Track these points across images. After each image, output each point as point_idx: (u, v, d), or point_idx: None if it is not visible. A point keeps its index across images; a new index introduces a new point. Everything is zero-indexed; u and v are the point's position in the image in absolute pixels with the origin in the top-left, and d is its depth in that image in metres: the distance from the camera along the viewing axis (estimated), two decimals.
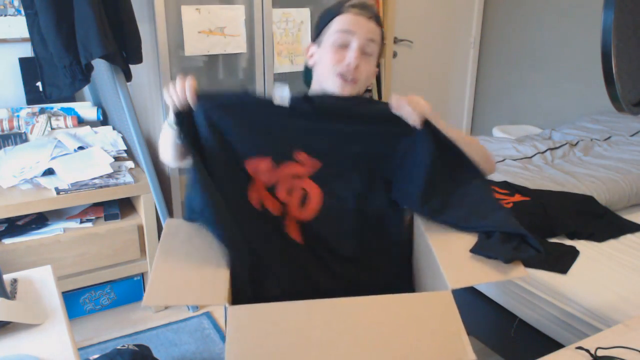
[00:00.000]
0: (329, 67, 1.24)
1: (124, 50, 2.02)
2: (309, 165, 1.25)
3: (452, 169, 1.24)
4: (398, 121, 1.22)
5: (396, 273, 1.32)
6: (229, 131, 1.21)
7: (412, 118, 1.21)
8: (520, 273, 1.07)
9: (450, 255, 1.13)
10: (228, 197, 1.17)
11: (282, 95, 1.23)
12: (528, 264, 1.64)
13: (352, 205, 1.26)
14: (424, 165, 1.21)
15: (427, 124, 1.22)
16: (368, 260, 1.28)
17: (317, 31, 1.31)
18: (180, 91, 1.18)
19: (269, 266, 1.19)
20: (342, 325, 0.95)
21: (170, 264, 1.08)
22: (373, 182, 1.27)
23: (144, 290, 2.36)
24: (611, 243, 1.79)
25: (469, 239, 1.16)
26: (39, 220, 2.09)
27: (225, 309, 0.99)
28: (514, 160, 2.48)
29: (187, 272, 1.06)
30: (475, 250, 1.12)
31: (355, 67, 1.23)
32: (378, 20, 1.28)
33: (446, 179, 1.23)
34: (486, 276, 1.07)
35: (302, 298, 1.03)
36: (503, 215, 1.22)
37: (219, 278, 1.06)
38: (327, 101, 1.25)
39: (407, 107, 1.20)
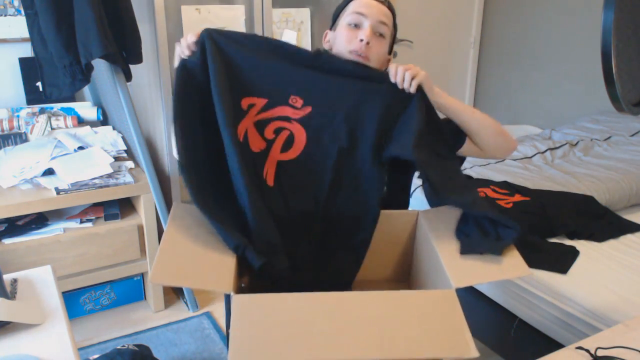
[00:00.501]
0: (342, 45, 1.31)
1: (124, 50, 2.02)
2: (301, 109, 1.28)
3: (435, 139, 1.28)
4: (395, 89, 1.27)
5: (363, 240, 1.32)
6: (233, 64, 1.25)
7: (408, 83, 1.26)
8: (523, 272, 1.07)
9: (453, 254, 1.13)
10: (216, 126, 1.20)
11: (289, 41, 1.26)
12: (528, 263, 1.64)
13: (333, 157, 1.28)
14: (416, 122, 1.25)
15: (420, 90, 1.28)
16: (336, 220, 1.29)
17: (334, 18, 1.39)
18: (191, 37, 1.25)
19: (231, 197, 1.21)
20: (346, 319, 0.96)
21: (176, 247, 1.08)
22: (358, 141, 1.29)
23: (144, 290, 2.37)
24: (611, 243, 1.79)
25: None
26: (39, 220, 2.09)
27: (229, 298, 0.99)
28: (514, 160, 2.48)
29: (193, 256, 1.07)
30: (465, 251, 1.13)
31: (367, 45, 1.28)
32: (390, 5, 1.36)
33: (429, 143, 1.27)
34: (490, 275, 1.07)
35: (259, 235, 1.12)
36: (473, 196, 1.27)
37: (225, 265, 1.06)
38: (334, 59, 1.31)
39: (405, 73, 1.26)
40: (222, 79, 1.22)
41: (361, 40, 1.28)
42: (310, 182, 1.28)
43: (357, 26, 1.30)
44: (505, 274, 1.07)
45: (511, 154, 1.31)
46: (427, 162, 1.24)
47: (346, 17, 1.32)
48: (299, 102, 1.28)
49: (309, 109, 1.28)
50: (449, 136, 1.32)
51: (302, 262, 1.26)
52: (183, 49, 1.26)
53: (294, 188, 1.28)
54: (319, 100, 1.28)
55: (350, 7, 1.33)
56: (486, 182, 2.10)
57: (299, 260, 1.25)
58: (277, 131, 1.28)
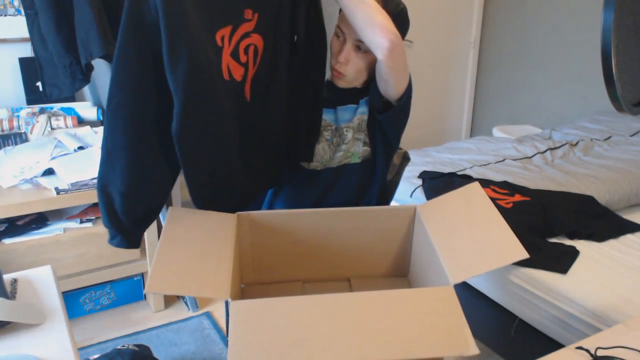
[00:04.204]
0: (330, 58, 1.33)
1: None
2: (255, 19, 1.22)
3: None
4: None
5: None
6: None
7: None
8: (521, 255, 1.06)
9: (451, 248, 1.13)
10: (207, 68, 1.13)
11: None
12: (528, 263, 1.64)
13: (285, 57, 1.27)
14: None
15: None
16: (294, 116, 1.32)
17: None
18: None
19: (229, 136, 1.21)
20: (344, 320, 0.95)
21: (172, 254, 1.08)
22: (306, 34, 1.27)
23: (144, 290, 2.37)
24: (611, 243, 1.79)
25: (471, 234, 1.16)
26: (39, 220, 2.09)
27: (227, 303, 0.99)
28: (514, 160, 2.48)
29: (189, 263, 1.06)
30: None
31: (344, 63, 1.29)
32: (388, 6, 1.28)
33: None
34: (489, 264, 1.07)
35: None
36: None
37: (221, 271, 1.06)
38: None
39: None
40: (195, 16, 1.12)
41: (338, 62, 1.29)
42: (275, 87, 1.28)
43: (342, 39, 1.29)
44: (504, 260, 1.07)
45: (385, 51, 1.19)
46: None
47: (335, 28, 1.31)
48: (249, 14, 1.21)
49: (256, 15, 1.22)
50: None
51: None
52: None
53: (265, 97, 1.28)
54: (262, 3, 1.22)
55: (338, 19, 1.30)
56: (486, 182, 2.10)
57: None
58: (246, 50, 1.23)
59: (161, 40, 1.04)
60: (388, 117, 1.32)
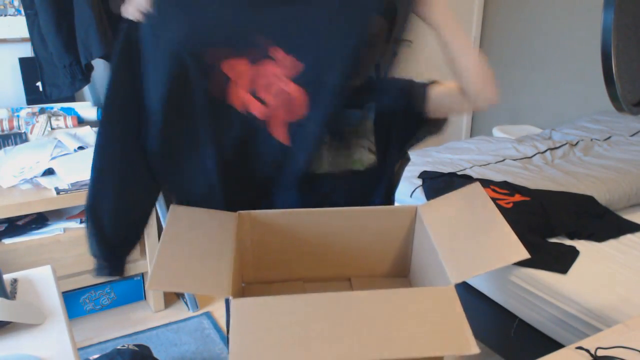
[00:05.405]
0: None
1: None
2: (288, 65, 1.13)
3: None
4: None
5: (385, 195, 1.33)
6: (192, 30, 1.12)
7: None
8: (522, 255, 1.05)
9: (452, 248, 1.13)
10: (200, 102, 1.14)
11: None
12: (528, 263, 1.64)
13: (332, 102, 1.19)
14: None
15: None
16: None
17: None
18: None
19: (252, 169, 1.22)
20: (345, 319, 0.95)
21: (174, 252, 1.08)
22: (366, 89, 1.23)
23: (144, 290, 2.37)
24: (611, 243, 1.79)
25: (472, 234, 1.16)
26: (39, 220, 2.09)
27: (228, 302, 0.99)
28: (514, 160, 2.48)
29: (190, 261, 1.06)
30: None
31: None
32: None
33: None
34: (490, 264, 1.06)
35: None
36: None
37: (222, 270, 1.05)
38: None
39: None
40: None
41: None
42: (318, 134, 1.23)
43: None
44: (505, 260, 1.07)
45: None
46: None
47: None
48: (281, 55, 1.12)
49: (299, 66, 1.13)
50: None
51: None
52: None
53: (303, 144, 1.23)
54: (304, 48, 1.13)
55: None
56: (486, 182, 2.10)
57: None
58: (274, 94, 1.17)
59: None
60: (424, 136, 1.33)
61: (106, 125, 1.17)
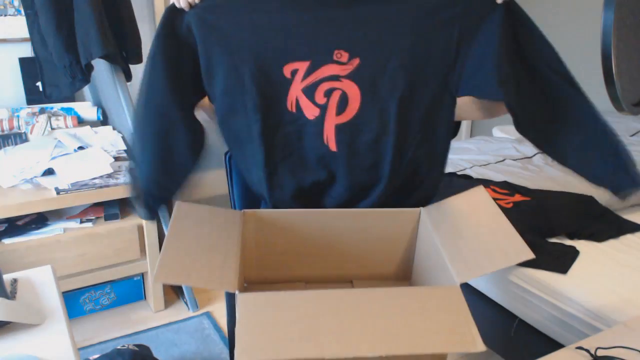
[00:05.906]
0: None
1: (124, 50, 2.03)
2: (349, 63, 1.14)
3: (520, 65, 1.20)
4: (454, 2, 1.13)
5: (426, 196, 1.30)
6: (257, 29, 1.14)
7: None
8: (527, 256, 1.06)
9: (456, 249, 1.13)
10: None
11: None
12: (528, 263, 1.64)
13: (393, 110, 1.16)
14: (495, 45, 1.13)
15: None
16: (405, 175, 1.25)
17: None
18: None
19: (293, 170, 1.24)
20: (352, 315, 0.96)
21: (179, 247, 1.08)
22: (420, 82, 1.16)
23: (144, 290, 2.37)
24: (611, 243, 1.79)
25: (476, 236, 1.16)
26: (39, 220, 2.09)
27: (228, 302, 0.99)
28: (514, 160, 2.48)
29: (196, 256, 1.07)
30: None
31: None
32: None
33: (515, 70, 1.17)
34: (494, 265, 1.07)
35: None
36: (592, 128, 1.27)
37: (228, 266, 1.06)
38: None
39: None
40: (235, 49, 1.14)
41: None
42: (372, 141, 1.19)
43: None
44: (509, 261, 1.07)
45: None
46: (517, 99, 1.14)
47: None
48: (344, 57, 1.13)
49: (357, 61, 1.14)
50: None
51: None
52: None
53: (356, 149, 1.20)
54: (362, 45, 1.13)
55: None
56: (486, 182, 2.10)
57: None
58: (328, 94, 1.16)
59: (193, 52, 1.15)
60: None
61: (147, 103, 1.20)
